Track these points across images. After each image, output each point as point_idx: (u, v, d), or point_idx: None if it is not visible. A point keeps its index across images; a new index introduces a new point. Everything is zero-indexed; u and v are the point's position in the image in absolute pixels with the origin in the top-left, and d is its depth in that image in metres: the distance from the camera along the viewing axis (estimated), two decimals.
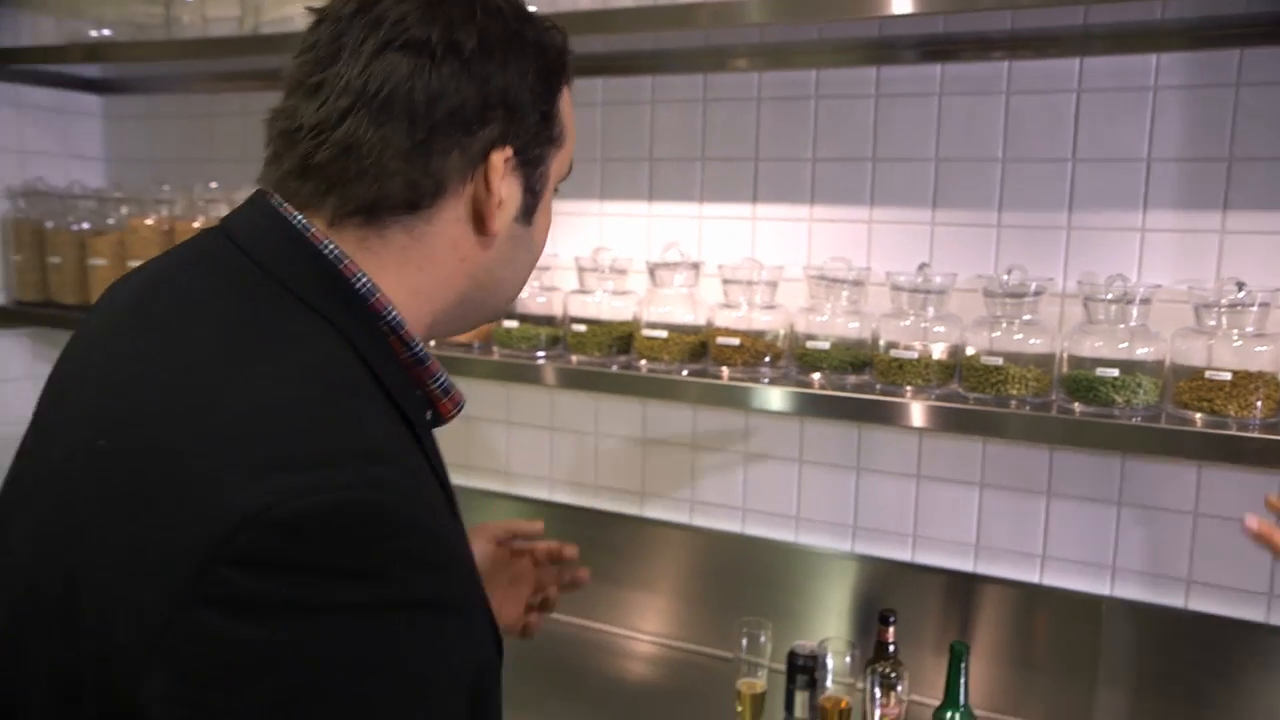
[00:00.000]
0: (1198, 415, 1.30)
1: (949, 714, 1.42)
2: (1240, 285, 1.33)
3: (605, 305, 1.75)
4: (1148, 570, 1.60)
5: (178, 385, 0.68)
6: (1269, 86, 1.45)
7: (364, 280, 0.76)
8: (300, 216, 0.77)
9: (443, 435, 0.84)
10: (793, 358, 1.61)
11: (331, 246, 0.76)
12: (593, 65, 1.92)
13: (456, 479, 0.98)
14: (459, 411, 0.86)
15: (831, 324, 1.58)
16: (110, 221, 2.23)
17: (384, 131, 0.75)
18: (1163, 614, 1.57)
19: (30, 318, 2.29)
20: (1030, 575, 1.67)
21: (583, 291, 1.77)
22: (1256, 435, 1.26)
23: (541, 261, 1.80)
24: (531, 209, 0.85)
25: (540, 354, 1.76)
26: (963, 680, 1.41)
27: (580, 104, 1.95)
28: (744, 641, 1.57)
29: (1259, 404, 1.28)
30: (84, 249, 2.20)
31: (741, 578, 1.88)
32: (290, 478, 0.61)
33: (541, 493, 2.10)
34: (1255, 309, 1.32)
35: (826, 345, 1.55)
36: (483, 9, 0.78)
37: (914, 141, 1.68)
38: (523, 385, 2.07)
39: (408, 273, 0.79)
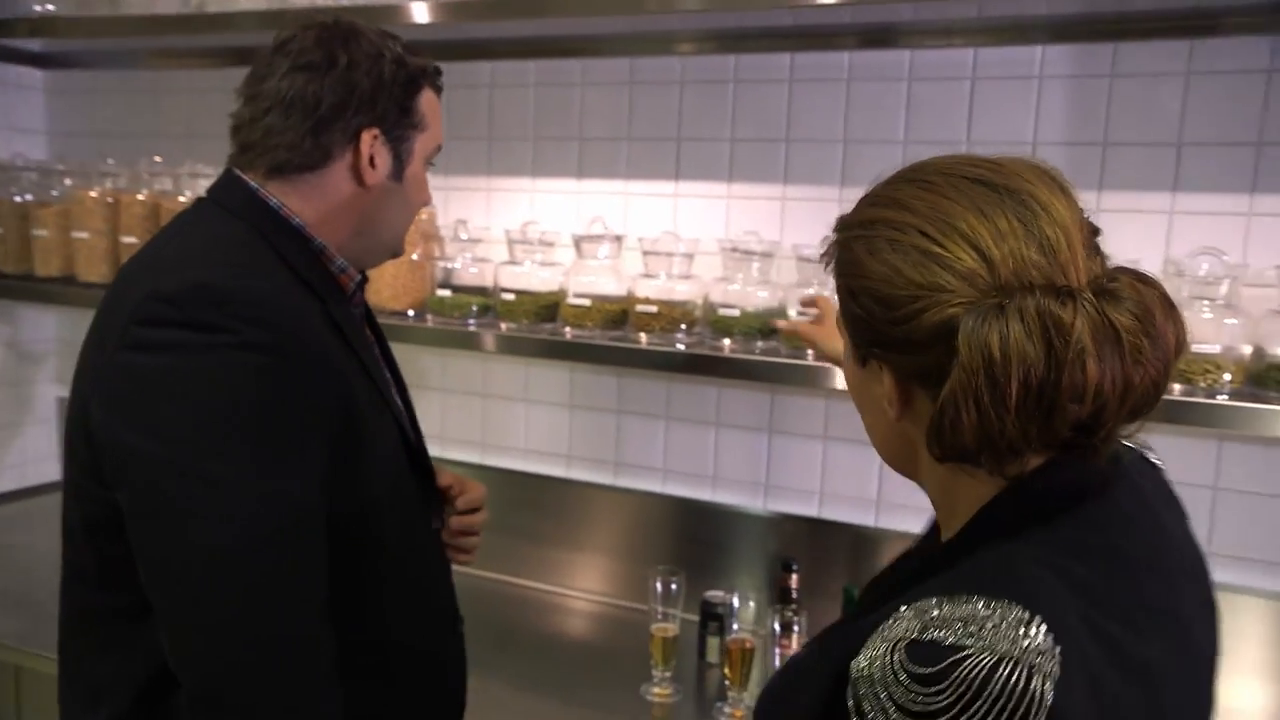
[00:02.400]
0: None
1: None
2: None
3: (534, 276, 1.85)
4: None
5: (142, 255, 1.12)
6: None
7: (276, 202, 1.12)
8: (243, 175, 1.14)
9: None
10: (707, 324, 1.72)
11: (256, 186, 1.12)
12: (525, 49, 2.01)
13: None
14: (357, 287, 1.19)
15: (743, 294, 1.69)
16: (54, 193, 2.28)
17: (289, 121, 1.11)
18: None
19: None
20: None
21: (512, 263, 1.87)
22: None
23: (474, 234, 1.94)
24: (399, 171, 1.18)
25: (471, 321, 1.85)
26: None
27: (513, 85, 2.05)
28: (658, 590, 1.68)
29: None
30: (27, 220, 2.25)
31: (660, 535, 1.99)
32: (177, 274, 1.00)
33: (474, 456, 2.19)
34: None
35: (737, 313, 1.66)
36: (353, 39, 1.13)
37: (824, 125, 1.80)
38: (457, 354, 2.16)
39: (312, 206, 1.13)
